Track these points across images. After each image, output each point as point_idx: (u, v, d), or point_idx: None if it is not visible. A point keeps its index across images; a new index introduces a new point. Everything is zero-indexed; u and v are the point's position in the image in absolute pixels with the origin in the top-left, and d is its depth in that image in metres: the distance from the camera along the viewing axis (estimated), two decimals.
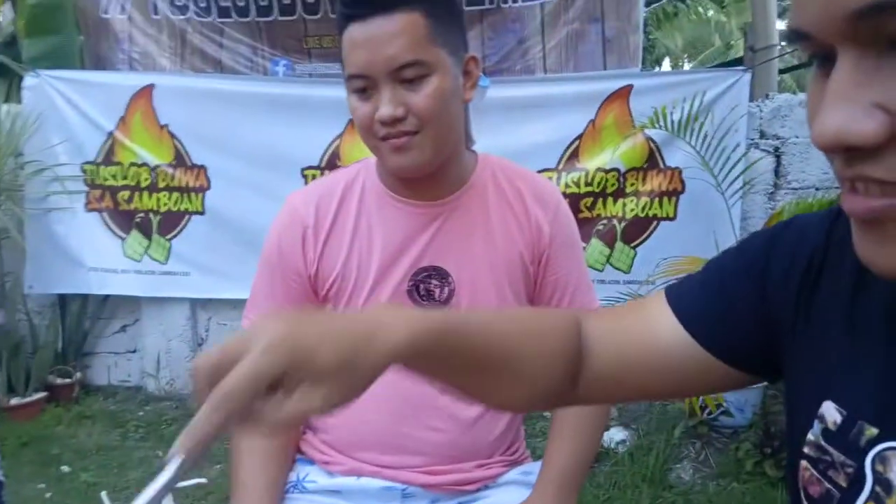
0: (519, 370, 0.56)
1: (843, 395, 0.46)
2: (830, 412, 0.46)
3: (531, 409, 0.69)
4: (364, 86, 0.87)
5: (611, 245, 2.95)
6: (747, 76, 2.82)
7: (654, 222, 2.90)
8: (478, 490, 1.02)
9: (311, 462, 1.05)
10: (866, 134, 0.32)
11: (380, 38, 0.84)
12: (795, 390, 0.51)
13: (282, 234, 0.99)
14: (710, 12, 9.07)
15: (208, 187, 3.06)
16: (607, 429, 2.58)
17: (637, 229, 2.92)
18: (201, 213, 3.08)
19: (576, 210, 2.91)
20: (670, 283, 0.63)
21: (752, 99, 2.86)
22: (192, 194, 3.08)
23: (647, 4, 5.30)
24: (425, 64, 0.85)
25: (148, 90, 3.05)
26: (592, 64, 3.23)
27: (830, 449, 0.46)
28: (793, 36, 0.36)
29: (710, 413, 2.53)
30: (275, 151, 2.96)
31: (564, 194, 2.84)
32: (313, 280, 0.99)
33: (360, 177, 1.00)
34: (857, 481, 0.43)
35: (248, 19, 3.33)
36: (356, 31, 0.85)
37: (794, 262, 0.51)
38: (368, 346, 0.44)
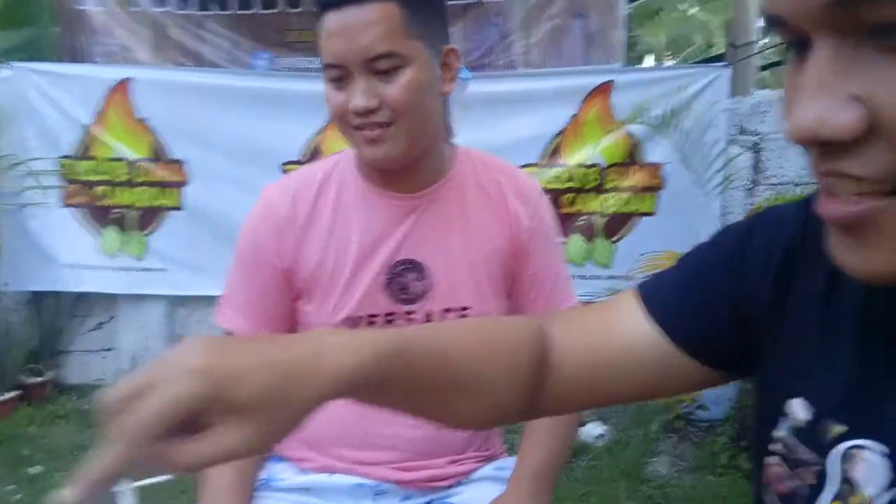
0: (477, 389, 0.53)
1: (813, 392, 0.45)
2: (800, 409, 0.46)
3: (495, 426, 0.65)
4: (339, 75, 0.86)
5: (591, 240, 2.96)
6: (727, 72, 2.84)
7: (635, 218, 2.92)
8: (451, 486, 1.01)
9: (283, 459, 1.04)
10: (843, 127, 0.31)
11: (354, 27, 0.83)
12: (767, 386, 0.51)
13: (257, 226, 0.98)
14: (693, 10, 9.11)
15: (187, 182, 3.03)
16: (583, 424, 2.59)
17: (617, 224, 2.93)
18: (179, 209, 3.05)
19: (557, 205, 2.93)
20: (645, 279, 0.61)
21: (732, 95, 2.88)
22: (170, 189, 3.04)
23: (630, 1, 5.32)
24: (400, 55, 0.84)
25: (125, 84, 3.01)
26: (575, 59, 3.24)
27: (799, 446, 0.45)
28: (769, 21, 0.35)
29: (686, 407, 2.55)
30: (255, 146, 2.94)
31: (546, 190, 2.86)
32: (289, 273, 0.97)
33: (338, 168, 0.99)
34: (823, 479, 0.43)
35: (228, 12, 3.29)
36: (331, 20, 0.85)
37: (770, 255, 0.50)
38: (304, 378, 0.39)
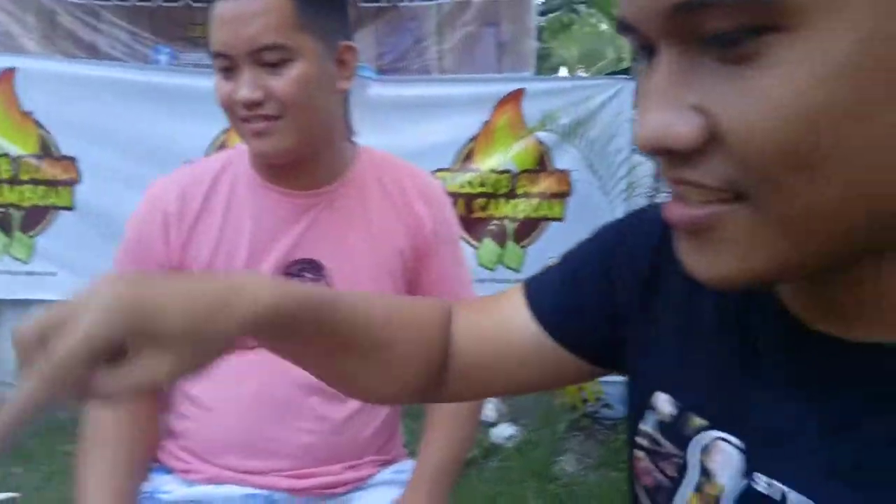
0: (387, 356, 0.54)
1: (675, 387, 0.47)
2: (664, 404, 0.47)
3: (396, 402, 0.66)
4: (226, 65, 0.84)
5: (503, 245, 3.00)
6: (631, 84, 2.95)
7: (544, 223, 2.99)
8: (348, 492, 0.99)
9: (169, 471, 0.98)
10: (683, 137, 0.31)
11: (242, 16, 0.82)
12: (634, 381, 0.52)
13: (142, 223, 0.94)
14: (604, 25, 9.48)
15: (79, 181, 2.85)
16: (495, 425, 2.62)
17: (528, 230, 2.99)
18: (70, 209, 2.86)
19: (469, 210, 2.96)
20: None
21: (635, 107, 3.00)
22: (61, 188, 2.85)
23: (544, 14, 5.47)
24: (288, 48, 0.83)
25: (9, 74, 2.78)
26: (488, 67, 3.29)
27: (663, 440, 0.46)
28: (620, 27, 0.35)
29: (592, 406, 2.63)
30: (155, 144, 2.79)
31: (459, 194, 2.93)
32: (177, 272, 0.93)
33: (232, 163, 0.96)
34: (684, 471, 0.44)
35: (127, 3, 3.13)
36: (221, 8, 0.83)
37: (640, 252, 0.51)
38: (223, 310, 0.41)
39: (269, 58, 0.82)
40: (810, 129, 0.29)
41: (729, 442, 0.41)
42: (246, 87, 0.82)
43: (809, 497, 0.36)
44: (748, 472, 0.40)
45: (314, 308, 0.47)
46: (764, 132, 0.29)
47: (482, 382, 0.59)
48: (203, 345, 0.40)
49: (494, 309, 0.58)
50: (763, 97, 0.29)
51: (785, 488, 0.37)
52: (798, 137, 0.29)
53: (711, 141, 0.31)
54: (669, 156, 0.33)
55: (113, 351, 0.37)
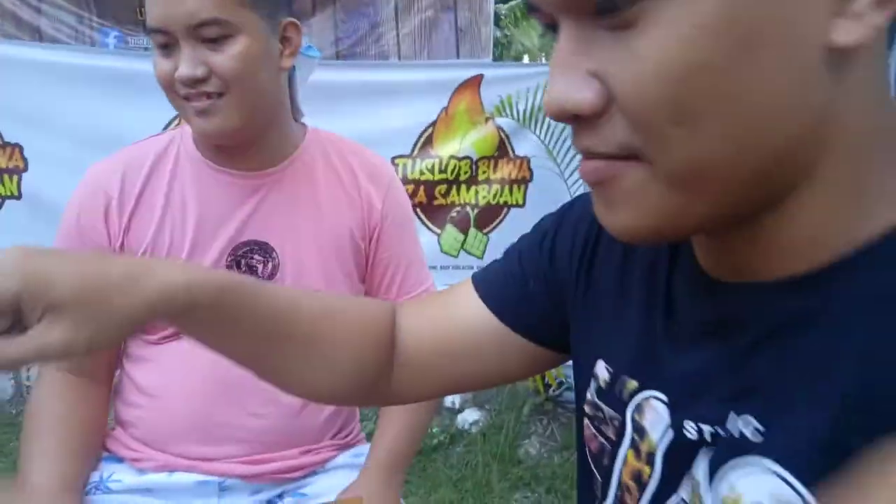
0: (319, 352, 0.53)
1: (610, 353, 0.48)
2: (601, 371, 0.48)
3: (337, 402, 0.66)
4: (165, 41, 0.82)
5: (465, 232, 3.01)
6: None
7: (505, 209, 3.00)
8: (304, 477, 0.98)
9: (120, 460, 0.96)
10: (583, 102, 0.33)
11: None
12: (577, 353, 0.53)
13: (81, 206, 0.92)
14: None
15: (25, 169, 2.74)
16: (461, 411, 2.63)
17: (489, 216, 3.00)
18: (17, 198, 2.76)
19: (430, 197, 2.95)
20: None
21: None
22: (6, 176, 2.74)
23: (504, 1, 5.47)
24: (229, 24, 0.80)
25: None
26: (446, 53, 3.27)
27: (602, 405, 0.48)
28: (528, 9, 0.37)
29: (555, 390, 2.66)
30: (105, 130, 2.70)
31: (419, 181, 2.92)
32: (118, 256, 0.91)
33: (174, 144, 0.94)
34: (621, 433, 0.46)
35: None
36: None
37: (578, 232, 0.53)
38: (127, 286, 0.42)
39: (210, 33, 0.80)
40: (684, 85, 0.31)
41: (658, 399, 0.43)
42: (186, 64, 0.80)
43: (733, 429, 0.38)
44: (675, 424, 0.41)
45: (234, 293, 0.47)
46: (646, 90, 0.31)
47: (434, 379, 0.58)
48: (100, 318, 0.41)
49: (447, 305, 0.59)
50: (643, 58, 0.31)
51: (713, 428, 0.39)
52: (675, 93, 0.31)
53: (609, 105, 0.33)
54: (576, 122, 0.35)
55: (10, 319, 0.38)
